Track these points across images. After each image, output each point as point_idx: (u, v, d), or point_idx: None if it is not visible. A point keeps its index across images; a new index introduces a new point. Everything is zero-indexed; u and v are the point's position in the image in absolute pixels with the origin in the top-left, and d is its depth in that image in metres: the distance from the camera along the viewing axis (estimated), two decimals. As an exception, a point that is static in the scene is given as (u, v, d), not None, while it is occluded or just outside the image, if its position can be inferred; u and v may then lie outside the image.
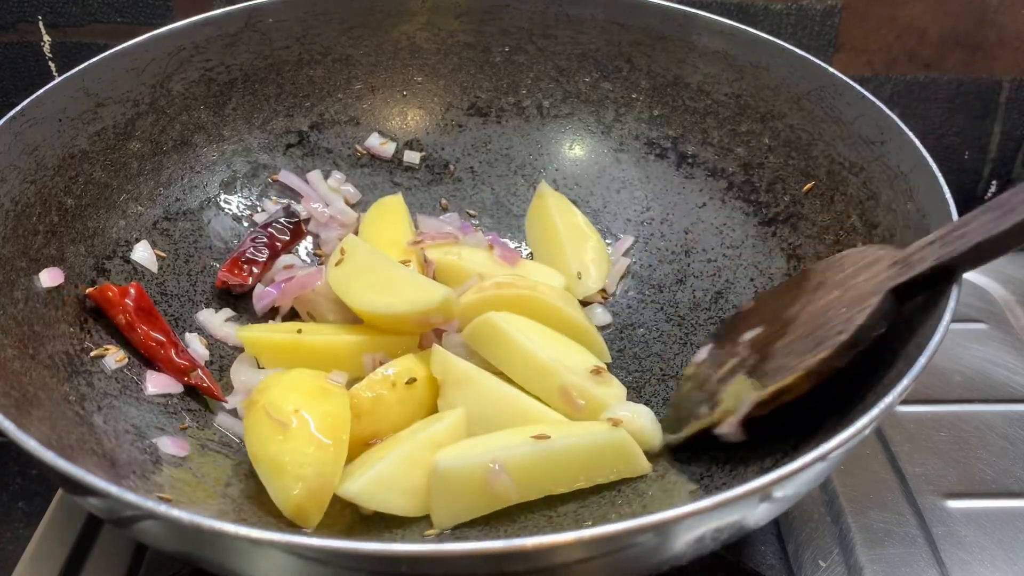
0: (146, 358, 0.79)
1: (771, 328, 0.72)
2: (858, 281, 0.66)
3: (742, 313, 0.80)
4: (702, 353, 0.79)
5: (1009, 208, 0.60)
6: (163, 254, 0.87)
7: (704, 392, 0.75)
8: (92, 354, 0.76)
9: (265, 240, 0.91)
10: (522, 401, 0.77)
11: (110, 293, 0.78)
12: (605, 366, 0.82)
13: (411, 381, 0.77)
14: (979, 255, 0.62)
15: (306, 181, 0.97)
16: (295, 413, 0.70)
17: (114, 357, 0.76)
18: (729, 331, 0.79)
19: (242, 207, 0.94)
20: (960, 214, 0.69)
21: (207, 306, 0.87)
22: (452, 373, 0.78)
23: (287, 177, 0.96)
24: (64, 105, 0.81)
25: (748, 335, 0.74)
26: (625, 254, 0.95)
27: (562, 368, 0.78)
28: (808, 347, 0.66)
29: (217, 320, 0.86)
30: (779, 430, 0.68)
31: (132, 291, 0.79)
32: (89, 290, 0.79)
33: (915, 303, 0.68)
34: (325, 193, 0.96)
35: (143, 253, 0.86)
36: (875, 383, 0.66)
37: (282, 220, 0.93)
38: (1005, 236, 0.60)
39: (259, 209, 0.95)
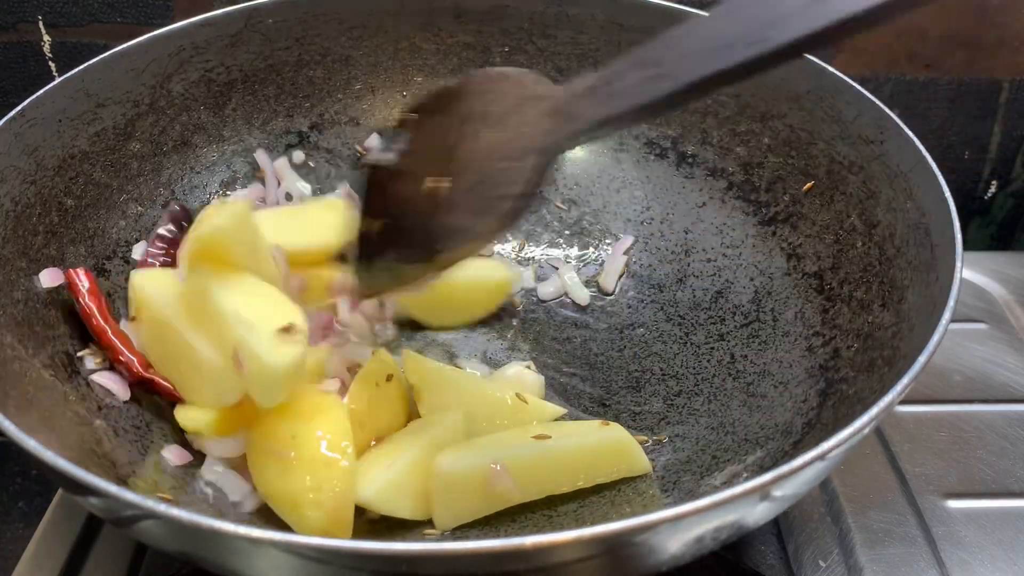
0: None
1: (437, 163, 0.64)
2: (518, 124, 0.61)
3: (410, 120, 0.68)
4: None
5: (663, 71, 0.55)
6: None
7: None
8: (79, 354, 0.76)
9: (162, 252, 0.85)
10: (508, 398, 0.78)
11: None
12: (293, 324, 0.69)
13: (389, 378, 0.77)
14: (637, 118, 0.58)
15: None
16: (293, 440, 0.67)
17: (94, 359, 0.76)
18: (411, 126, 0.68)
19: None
20: (960, 214, 0.69)
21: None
22: (428, 377, 0.77)
23: (262, 158, 0.95)
24: (64, 106, 0.81)
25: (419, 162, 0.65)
26: (625, 254, 0.95)
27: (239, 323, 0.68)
28: (478, 205, 0.61)
29: None
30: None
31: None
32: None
33: (915, 303, 0.68)
34: (286, 178, 0.95)
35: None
36: (875, 383, 0.66)
37: (170, 229, 0.86)
38: (667, 99, 0.55)
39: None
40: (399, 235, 0.65)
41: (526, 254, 0.99)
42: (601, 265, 0.96)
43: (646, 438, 0.79)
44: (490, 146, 0.62)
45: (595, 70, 0.96)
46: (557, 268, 0.97)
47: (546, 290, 0.95)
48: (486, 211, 0.61)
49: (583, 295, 0.94)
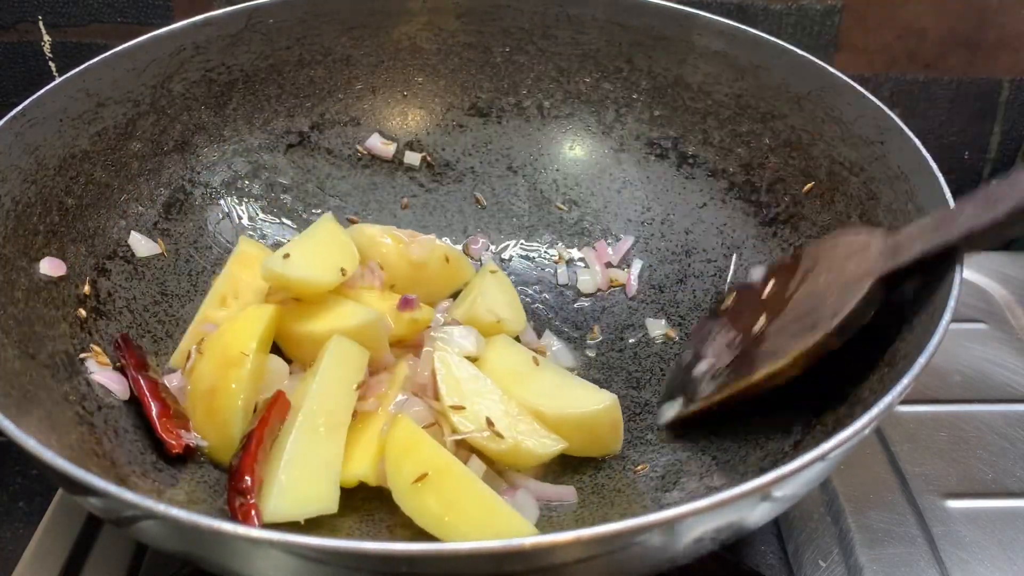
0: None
1: (766, 309, 0.73)
2: (849, 265, 0.67)
3: (740, 290, 0.80)
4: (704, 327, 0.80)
5: (996, 199, 0.60)
6: (163, 249, 0.87)
7: (703, 368, 0.75)
8: (81, 355, 0.76)
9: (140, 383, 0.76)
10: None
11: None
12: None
13: None
14: (968, 244, 0.62)
15: None
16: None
17: (95, 359, 0.76)
18: (733, 304, 0.79)
19: (243, 207, 0.94)
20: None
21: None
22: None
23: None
24: (65, 105, 0.81)
25: (746, 314, 0.75)
26: (626, 255, 0.95)
27: None
28: (801, 330, 0.67)
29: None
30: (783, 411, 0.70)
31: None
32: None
33: (915, 304, 0.68)
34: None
35: (141, 242, 0.86)
36: (875, 383, 0.66)
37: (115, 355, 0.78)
38: (993, 226, 0.60)
39: (258, 212, 0.95)
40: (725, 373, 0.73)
41: (528, 253, 0.99)
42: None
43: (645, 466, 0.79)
44: (816, 287, 0.68)
45: (596, 70, 0.97)
46: (560, 265, 0.97)
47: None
48: (805, 332, 0.67)
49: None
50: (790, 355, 0.67)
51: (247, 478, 0.66)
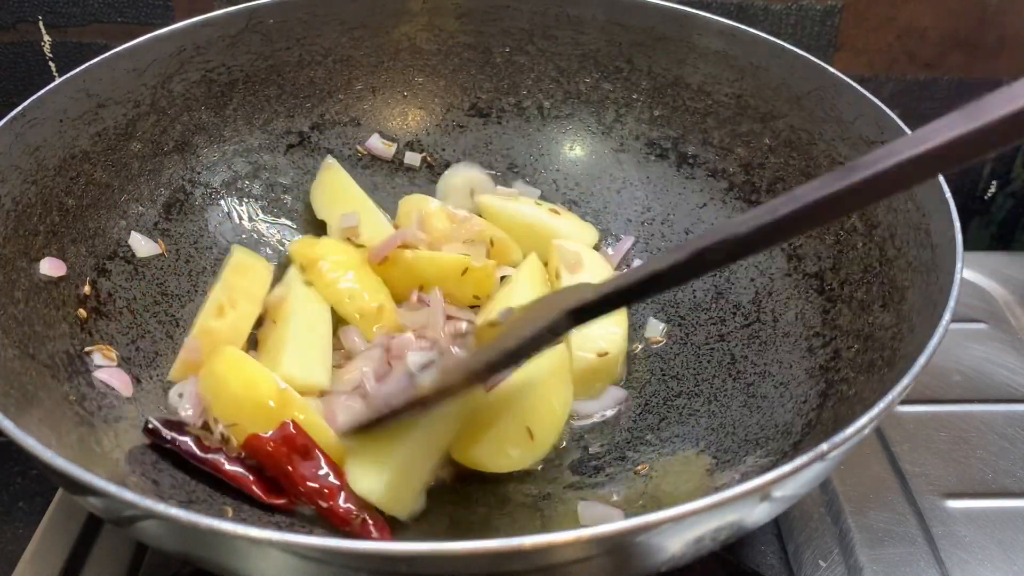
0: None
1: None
2: (555, 300, 0.69)
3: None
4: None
5: (681, 249, 0.60)
6: (163, 249, 0.87)
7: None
8: (86, 349, 0.76)
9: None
10: None
11: (269, 447, 0.70)
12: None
13: None
14: (642, 293, 0.64)
15: None
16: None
17: (100, 354, 0.76)
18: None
19: (243, 208, 0.94)
20: (960, 214, 0.69)
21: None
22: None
23: None
24: (65, 106, 0.81)
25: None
26: (626, 255, 0.95)
27: None
28: (493, 347, 0.71)
29: None
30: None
31: (291, 429, 0.71)
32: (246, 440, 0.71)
33: (915, 304, 0.68)
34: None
35: (141, 243, 0.86)
36: (875, 383, 0.66)
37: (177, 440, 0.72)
38: (661, 273, 0.61)
39: (258, 212, 0.95)
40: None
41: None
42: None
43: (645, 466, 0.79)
44: (531, 316, 0.70)
45: (595, 70, 0.97)
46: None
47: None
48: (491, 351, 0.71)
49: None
50: (464, 373, 0.70)
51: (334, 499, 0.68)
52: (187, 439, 0.71)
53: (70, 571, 0.76)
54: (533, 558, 0.51)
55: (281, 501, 0.70)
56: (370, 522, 0.68)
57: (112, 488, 0.53)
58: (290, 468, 0.69)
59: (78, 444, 0.66)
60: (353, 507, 0.69)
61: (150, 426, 0.71)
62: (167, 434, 0.70)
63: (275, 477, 0.70)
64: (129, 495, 0.52)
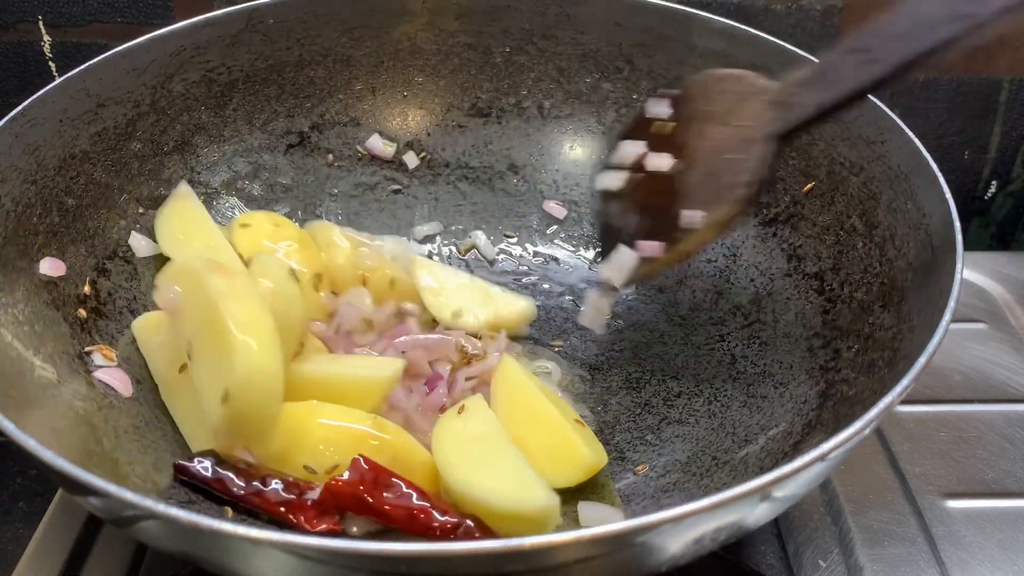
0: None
1: (675, 151, 0.71)
2: (741, 119, 0.67)
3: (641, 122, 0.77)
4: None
5: (872, 56, 0.60)
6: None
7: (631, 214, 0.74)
8: (86, 349, 0.76)
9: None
10: None
11: (352, 489, 0.66)
12: None
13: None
14: (852, 102, 0.63)
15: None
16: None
17: (101, 354, 0.76)
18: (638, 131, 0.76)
19: (243, 208, 0.94)
20: (960, 214, 0.69)
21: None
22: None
23: None
24: (65, 106, 0.81)
25: (655, 158, 0.73)
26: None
27: None
28: (709, 195, 0.67)
29: None
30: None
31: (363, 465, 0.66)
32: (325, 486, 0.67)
33: (916, 304, 0.68)
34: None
35: (141, 243, 0.86)
36: (875, 383, 0.66)
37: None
38: (878, 82, 0.61)
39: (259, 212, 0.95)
40: (644, 226, 0.70)
41: (528, 253, 0.99)
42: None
43: (645, 466, 0.79)
44: (716, 141, 0.67)
45: (596, 70, 0.97)
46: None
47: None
48: (718, 199, 0.66)
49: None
50: (711, 224, 0.67)
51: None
52: (229, 473, 0.67)
53: (70, 571, 0.76)
54: (533, 558, 0.51)
55: (324, 526, 0.67)
56: (472, 525, 0.66)
57: (112, 488, 0.53)
58: (374, 502, 0.66)
59: (78, 444, 0.66)
60: (451, 518, 0.65)
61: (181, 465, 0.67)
62: (205, 474, 0.67)
63: (365, 514, 0.66)
64: (129, 495, 0.52)
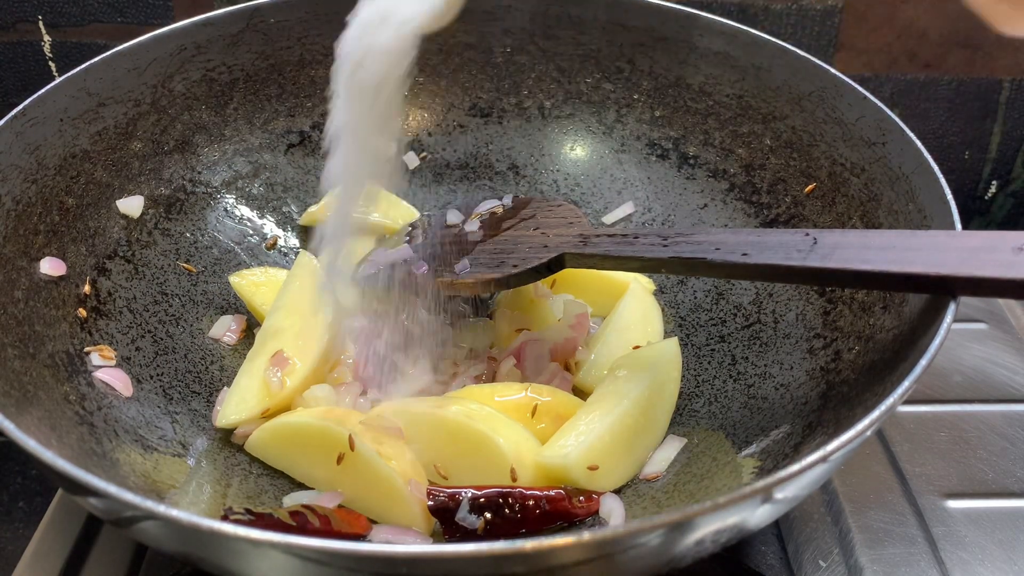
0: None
1: (487, 231, 0.86)
2: (551, 233, 0.81)
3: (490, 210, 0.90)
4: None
5: (666, 243, 0.72)
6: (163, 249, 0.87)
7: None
8: (86, 349, 0.76)
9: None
10: None
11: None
12: None
13: None
14: (635, 263, 0.74)
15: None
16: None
17: (99, 355, 0.76)
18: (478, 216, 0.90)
19: (244, 207, 0.94)
20: (960, 214, 0.69)
21: (207, 307, 0.87)
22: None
23: None
24: (65, 105, 0.81)
25: (473, 227, 0.87)
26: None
27: None
28: (492, 262, 0.81)
29: (220, 327, 0.87)
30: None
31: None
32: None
33: (916, 305, 0.68)
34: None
35: (132, 203, 0.86)
36: (876, 384, 0.66)
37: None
38: (657, 261, 0.72)
39: (261, 215, 0.95)
40: (443, 262, 0.86)
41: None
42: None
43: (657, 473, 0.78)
44: (521, 235, 0.83)
45: (597, 71, 0.97)
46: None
47: None
48: (495, 268, 0.80)
49: None
50: (474, 277, 0.80)
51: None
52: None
53: (70, 571, 0.76)
54: (534, 560, 0.51)
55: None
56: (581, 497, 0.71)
57: (112, 488, 0.53)
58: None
59: (78, 444, 0.66)
60: (583, 500, 0.70)
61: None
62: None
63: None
64: (129, 495, 0.52)
